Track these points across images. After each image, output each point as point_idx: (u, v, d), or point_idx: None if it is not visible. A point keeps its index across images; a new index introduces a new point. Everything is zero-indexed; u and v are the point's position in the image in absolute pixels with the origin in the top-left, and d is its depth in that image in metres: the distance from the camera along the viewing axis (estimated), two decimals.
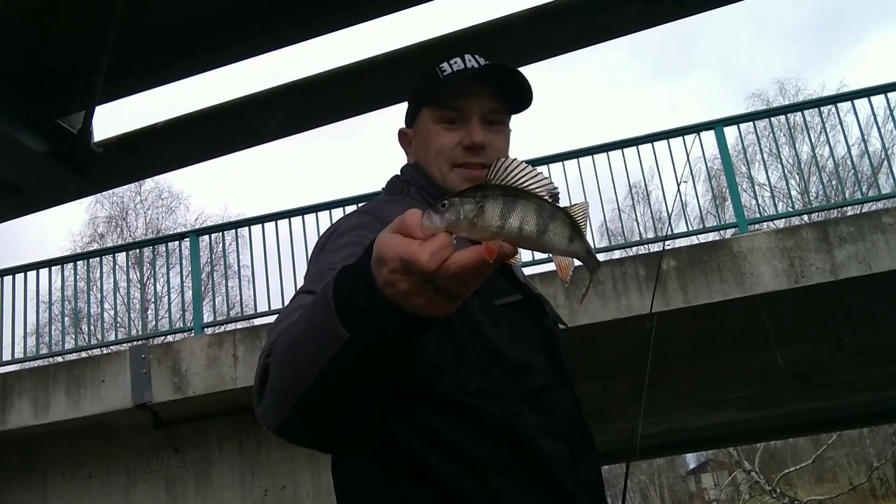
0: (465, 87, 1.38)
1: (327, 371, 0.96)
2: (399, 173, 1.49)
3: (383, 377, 1.03)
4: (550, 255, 0.95)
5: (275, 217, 7.42)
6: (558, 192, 0.95)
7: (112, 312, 17.81)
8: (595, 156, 7.14)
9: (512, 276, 1.38)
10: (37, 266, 7.68)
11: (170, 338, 9.49)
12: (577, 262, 1.00)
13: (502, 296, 1.31)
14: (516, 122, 1.49)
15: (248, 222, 7.69)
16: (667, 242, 6.31)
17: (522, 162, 0.93)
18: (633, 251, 7.22)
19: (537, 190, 0.92)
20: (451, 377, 1.19)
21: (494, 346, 1.24)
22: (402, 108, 1.50)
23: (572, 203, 0.99)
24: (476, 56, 1.45)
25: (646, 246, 8.07)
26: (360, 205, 1.34)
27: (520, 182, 0.92)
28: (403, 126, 1.50)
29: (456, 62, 1.42)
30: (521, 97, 1.44)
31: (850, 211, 11.32)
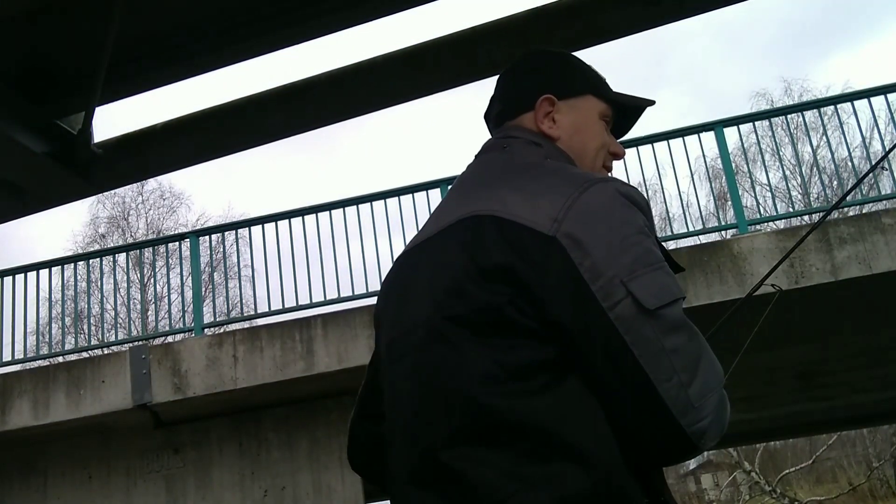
0: (630, 108, 1.45)
1: None
2: (533, 140, 1.35)
3: None
4: None
5: (275, 218, 7.42)
6: None
7: (112, 313, 17.83)
8: None
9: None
10: (38, 266, 7.68)
11: (170, 338, 9.50)
12: None
13: None
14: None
15: (249, 223, 7.69)
16: (667, 243, 6.31)
17: None
18: None
19: None
20: None
21: None
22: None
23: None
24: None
25: None
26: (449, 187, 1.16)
27: None
28: (548, 94, 1.40)
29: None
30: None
31: (850, 212, 11.32)
